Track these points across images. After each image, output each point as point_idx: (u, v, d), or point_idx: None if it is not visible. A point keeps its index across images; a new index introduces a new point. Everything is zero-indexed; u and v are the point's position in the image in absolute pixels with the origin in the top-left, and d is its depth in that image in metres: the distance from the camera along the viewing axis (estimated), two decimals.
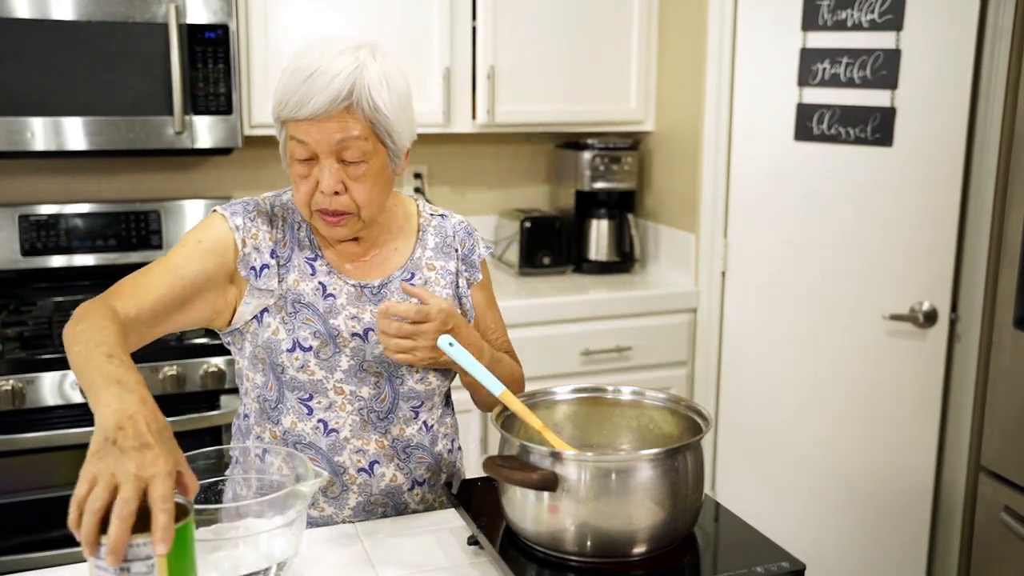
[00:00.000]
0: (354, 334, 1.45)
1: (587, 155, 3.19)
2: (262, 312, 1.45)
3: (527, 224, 3.16)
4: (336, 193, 1.37)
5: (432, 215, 1.57)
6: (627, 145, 3.23)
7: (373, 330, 1.46)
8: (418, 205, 1.59)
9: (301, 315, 1.45)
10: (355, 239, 1.49)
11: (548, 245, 3.18)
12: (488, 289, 1.61)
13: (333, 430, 1.46)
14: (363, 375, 1.44)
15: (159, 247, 2.89)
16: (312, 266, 1.47)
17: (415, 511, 1.51)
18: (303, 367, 1.43)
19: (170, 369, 2.39)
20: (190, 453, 1.24)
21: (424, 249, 1.53)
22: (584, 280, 3.13)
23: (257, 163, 3.09)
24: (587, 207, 3.25)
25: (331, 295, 1.46)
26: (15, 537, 2.36)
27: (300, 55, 1.34)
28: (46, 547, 2.36)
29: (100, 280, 2.88)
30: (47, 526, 2.39)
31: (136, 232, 2.89)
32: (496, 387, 1.28)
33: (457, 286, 1.55)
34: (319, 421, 1.46)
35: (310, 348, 1.43)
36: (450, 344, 1.31)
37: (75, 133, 2.52)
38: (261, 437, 1.52)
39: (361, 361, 1.45)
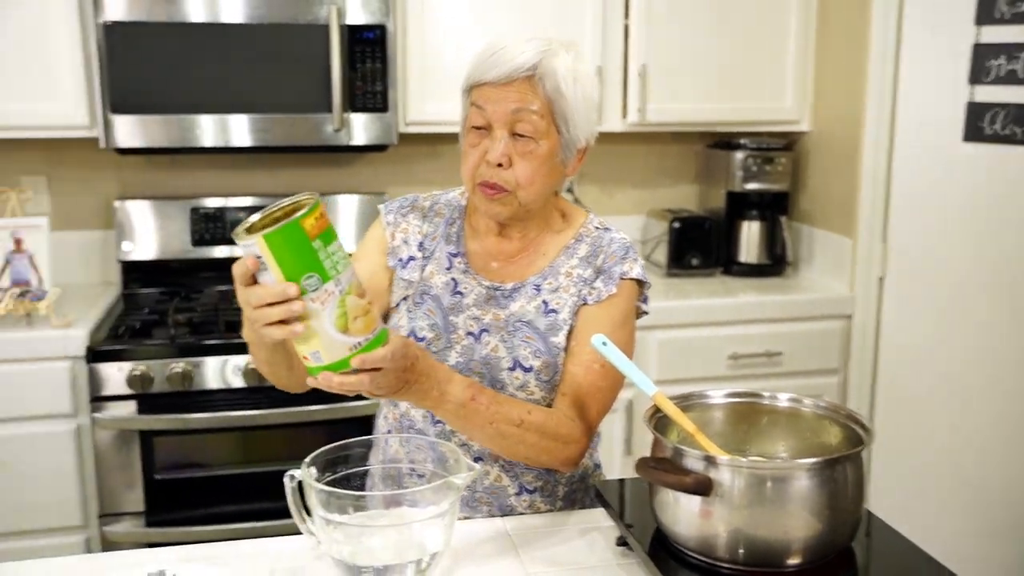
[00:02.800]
0: (469, 333, 1.47)
1: (739, 155, 3.13)
2: (401, 301, 1.51)
3: (676, 224, 3.14)
4: (500, 165, 1.38)
5: (597, 228, 1.53)
6: (781, 145, 3.15)
7: (488, 331, 1.46)
8: (588, 216, 1.55)
9: (425, 306, 1.48)
10: (509, 236, 1.50)
11: (697, 246, 3.14)
12: (616, 313, 1.45)
13: (440, 421, 1.47)
14: (467, 374, 1.45)
15: None
16: (451, 261, 1.51)
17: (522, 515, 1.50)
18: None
19: None
20: (344, 442, 1.29)
21: (571, 257, 1.50)
22: (733, 282, 3.09)
23: (411, 159, 3.16)
24: (738, 208, 3.20)
25: (459, 293, 1.49)
26: (182, 510, 2.51)
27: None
28: (208, 521, 2.50)
29: None
30: (210, 501, 2.52)
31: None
32: (649, 387, 1.27)
33: (579, 297, 1.47)
34: (427, 410, 1.48)
35: (423, 339, 1.46)
36: (604, 344, 1.30)
37: (240, 130, 2.65)
38: (386, 417, 1.56)
39: (468, 360, 1.46)
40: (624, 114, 2.96)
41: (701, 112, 3.00)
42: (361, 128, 2.70)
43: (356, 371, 1.11)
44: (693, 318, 2.79)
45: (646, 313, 1.55)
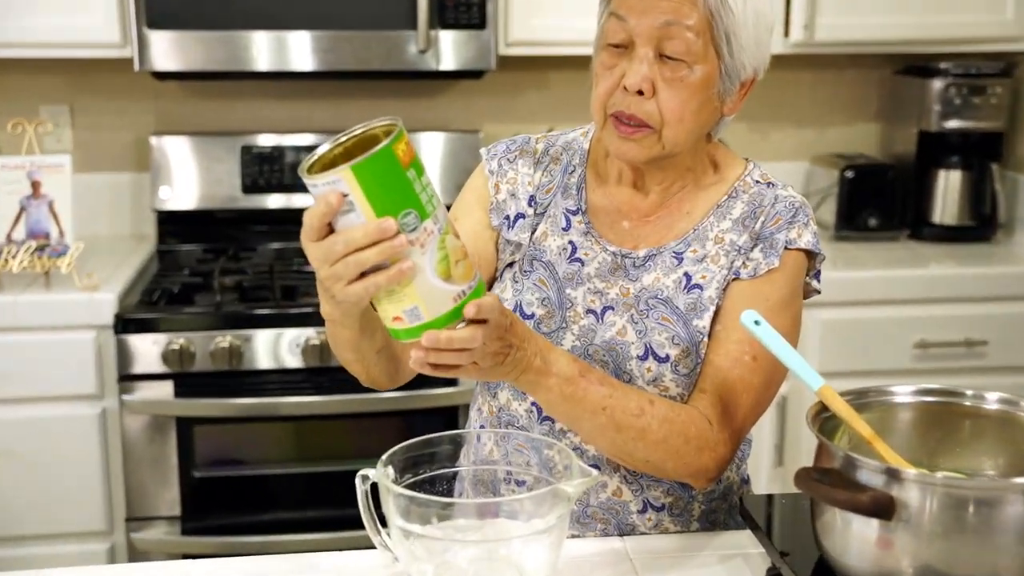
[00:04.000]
0: (589, 311, 1.47)
1: (938, 83, 3.06)
2: (505, 269, 1.51)
3: (849, 174, 3.09)
4: (640, 93, 1.37)
5: (758, 183, 1.51)
6: (996, 71, 3.07)
7: (613, 309, 1.46)
8: (748, 167, 1.53)
9: (535, 275, 1.49)
10: (645, 189, 1.49)
11: (876, 202, 3.09)
12: (776, 292, 1.44)
13: (548, 418, 1.48)
14: (587, 360, 1.45)
15: None
16: (569, 220, 1.50)
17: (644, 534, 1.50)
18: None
19: None
20: (428, 436, 1.31)
21: (722, 219, 1.48)
22: (924, 249, 3.04)
23: (513, 89, 3.17)
24: (933, 153, 3.14)
25: (578, 260, 1.49)
26: (225, 516, 2.59)
27: None
28: (257, 530, 2.58)
29: None
30: (260, 506, 2.60)
31: None
32: (814, 380, 1.25)
33: (730, 269, 1.46)
34: (532, 404, 1.49)
35: (532, 316, 1.47)
36: (756, 323, 1.29)
37: (302, 50, 2.70)
38: (480, 410, 1.57)
39: (587, 344, 1.45)
40: (786, 31, 2.92)
41: (888, 28, 2.93)
42: (451, 49, 2.72)
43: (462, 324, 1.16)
44: (868, 294, 2.75)
45: (817, 292, 1.53)
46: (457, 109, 3.17)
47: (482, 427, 1.55)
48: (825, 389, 1.26)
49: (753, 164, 1.54)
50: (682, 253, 1.47)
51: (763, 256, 1.44)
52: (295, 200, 3.04)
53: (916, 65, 3.17)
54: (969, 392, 1.33)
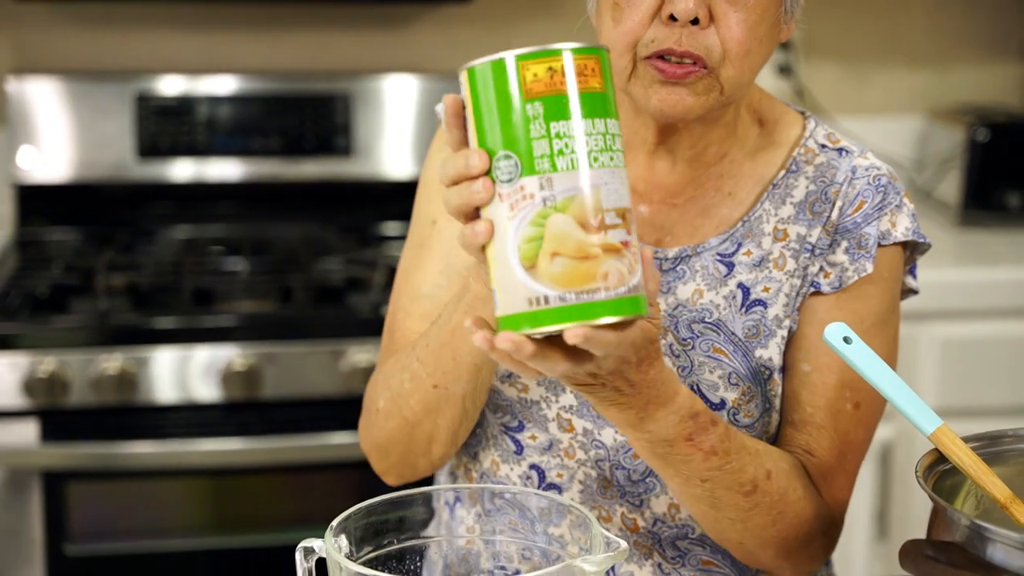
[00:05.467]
0: None
1: None
2: None
3: (981, 134, 3.09)
4: (695, 22, 1.35)
5: (823, 147, 1.52)
6: None
7: None
8: (807, 124, 1.54)
9: None
10: (672, 155, 1.49)
11: (1019, 172, 3.11)
12: (871, 306, 1.48)
13: (553, 486, 1.50)
14: (597, 418, 1.46)
15: (346, 153, 3.08)
16: None
17: None
18: (511, 373, 1.47)
19: (359, 353, 2.54)
20: (396, 495, 1.32)
21: (781, 203, 1.49)
22: None
23: (506, 17, 3.17)
24: None
25: None
26: None
27: None
28: None
29: (252, 205, 3.09)
30: None
31: (312, 126, 3.06)
32: (928, 420, 1.27)
33: (804, 278, 1.47)
34: (531, 467, 1.50)
35: None
36: (845, 340, 1.30)
37: None
38: (455, 475, 1.59)
39: None
40: None
41: None
42: None
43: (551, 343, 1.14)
44: (1007, 301, 2.76)
45: (914, 293, 1.55)
46: (431, 44, 3.19)
47: (457, 500, 1.54)
48: (942, 432, 1.26)
49: (814, 120, 1.55)
50: (731, 255, 1.47)
51: (850, 259, 1.46)
52: (210, 168, 3.06)
53: None
54: None
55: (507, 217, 1.10)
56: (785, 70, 3.26)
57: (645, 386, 1.23)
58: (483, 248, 1.12)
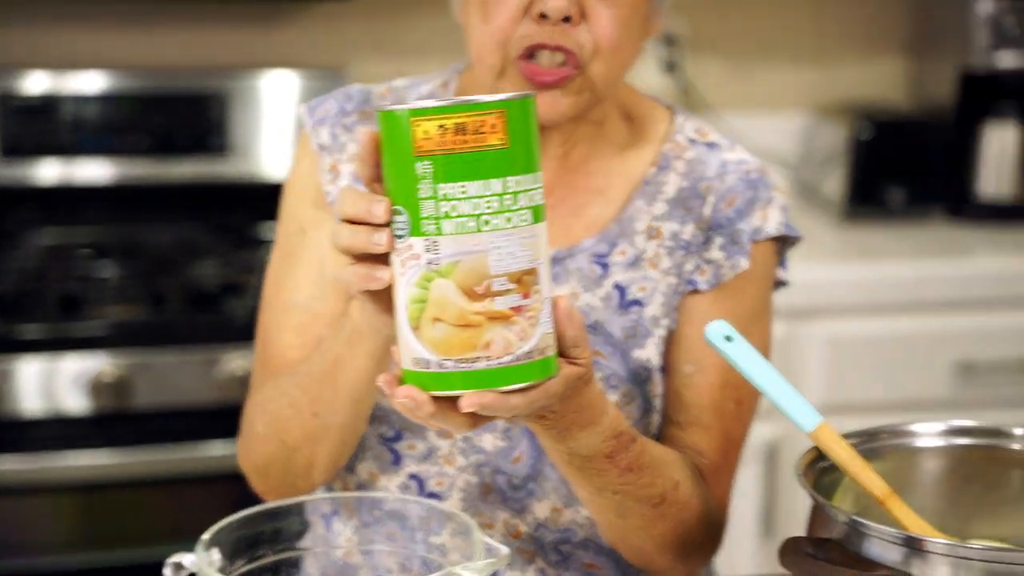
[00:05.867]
0: None
1: (984, 4, 3.09)
2: None
3: (865, 130, 3.13)
4: (567, 20, 1.36)
5: (693, 141, 1.55)
6: None
7: None
8: (675, 118, 1.57)
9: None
10: (543, 153, 1.49)
11: (903, 169, 3.14)
12: (746, 302, 1.51)
13: (433, 494, 1.51)
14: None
15: (221, 151, 3.05)
16: None
17: None
18: None
19: (236, 360, 2.53)
20: (270, 506, 1.31)
21: (653, 200, 1.51)
22: (967, 235, 3.09)
23: (392, 13, 3.16)
24: (980, 101, 3.18)
25: None
26: None
27: None
28: None
29: (122, 207, 3.05)
30: None
31: (185, 125, 3.03)
32: (808, 418, 1.28)
33: (680, 276, 1.50)
34: (411, 477, 1.51)
35: None
36: (728, 339, 1.32)
37: None
38: (331, 487, 1.59)
39: None
40: None
41: None
42: None
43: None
44: (891, 296, 2.79)
45: (783, 284, 1.58)
46: (313, 39, 3.17)
47: (335, 512, 1.53)
48: (822, 430, 1.28)
49: (682, 114, 1.57)
50: (606, 255, 1.49)
51: (725, 256, 1.48)
52: (78, 169, 3.02)
53: None
54: (1019, 431, 1.36)
55: (399, 273, 1.10)
56: (671, 66, 3.28)
57: (570, 412, 1.22)
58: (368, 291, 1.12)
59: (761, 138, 3.15)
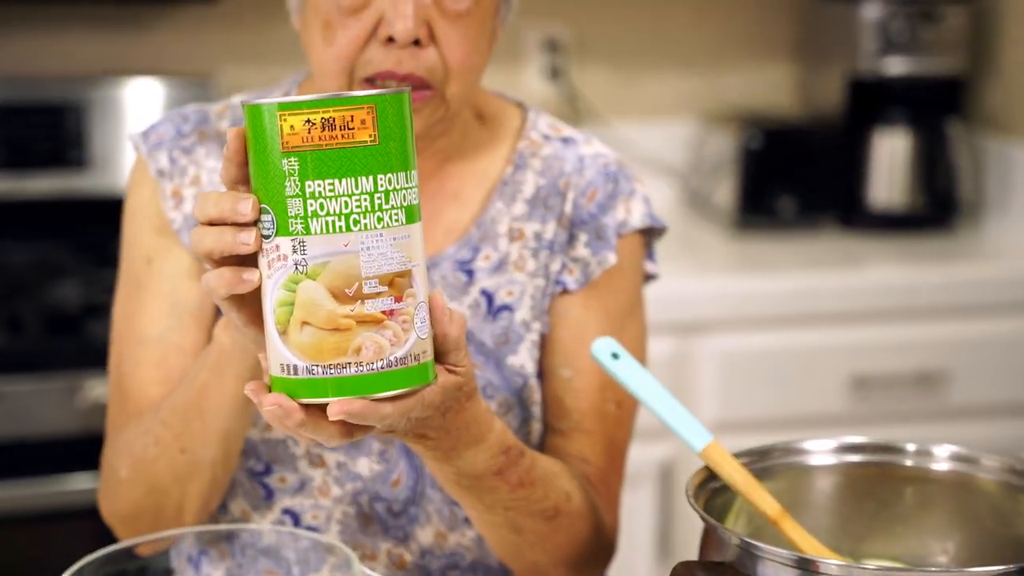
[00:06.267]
0: None
1: (872, 7, 3.15)
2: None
3: (754, 139, 3.15)
4: (417, 44, 1.36)
5: (548, 138, 1.56)
6: None
7: None
8: (526, 116, 1.58)
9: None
10: None
11: (792, 178, 3.17)
12: (619, 299, 1.53)
13: (310, 528, 1.49)
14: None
15: (80, 165, 3.00)
16: None
17: None
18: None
19: (99, 387, 2.48)
20: (130, 543, 1.28)
21: (512, 201, 1.52)
22: (859, 245, 3.13)
23: (262, 17, 3.14)
24: (869, 108, 3.22)
25: None
26: None
27: None
28: None
29: None
30: None
31: (41, 137, 2.99)
32: (698, 436, 1.28)
33: (548, 277, 1.51)
34: (285, 512, 1.49)
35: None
36: (614, 356, 1.32)
37: None
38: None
39: None
40: None
41: None
42: None
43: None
44: (782, 309, 2.80)
45: (653, 278, 1.59)
46: (178, 44, 3.13)
47: (203, 554, 1.49)
48: (712, 449, 1.29)
49: (534, 110, 1.58)
50: (469, 261, 1.49)
51: (591, 252, 1.49)
52: None
53: None
54: (911, 447, 1.37)
55: (266, 275, 1.09)
56: (555, 73, 3.28)
57: (454, 429, 1.22)
58: (234, 297, 1.10)
59: (649, 147, 3.16)
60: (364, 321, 1.07)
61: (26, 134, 2.98)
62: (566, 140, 1.55)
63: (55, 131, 2.99)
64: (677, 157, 3.35)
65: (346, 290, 1.07)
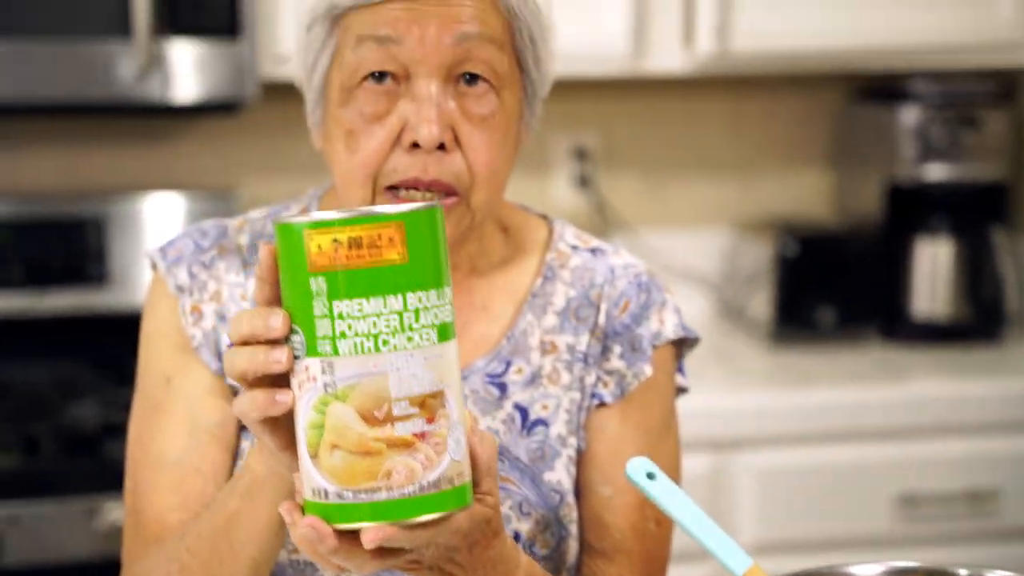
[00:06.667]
0: None
1: (911, 113, 3.16)
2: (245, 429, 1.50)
3: (790, 248, 3.16)
4: (441, 148, 1.37)
5: (576, 248, 1.57)
6: (991, 91, 3.18)
7: None
8: (552, 229, 1.59)
9: None
10: None
11: (829, 287, 3.17)
12: (655, 412, 1.54)
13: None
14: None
15: (100, 281, 3.01)
16: None
17: None
18: None
19: (117, 510, 2.46)
20: None
21: (543, 313, 1.53)
22: (902, 358, 3.11)
23: (284, 129, 3.15)
24: (908, 215, 3.23)
25: None
26: None
27: None
28: None
29: None
30: None
31: (60, 253, 3.00)
32: (738, 561, 1.27)
33: (583, 391, 1.51)
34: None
35: None
36: (649, 476, 1.31)
37: None
38: None
39: None
40: (688, 40, 2.98)
41: (836, 35, 3.02)
42: (190, 69, 2.72)
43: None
44: (822, 424, 2.79)
45: (684, 391, 1.59)
46: (199, 159, 3.16)
47: None
48: (752, 574, 1.27)
49: (559, 222, 1.59)
50: (501, 375, 1.49)
51: (627, 364, 1.50)
52: None
53: (880, 86, 3.28)
54: (963, 572, 1.35)
55: (298, 397, 1.09)
56: (583, 182, 3.29)
57: (480, 566, 1.22)
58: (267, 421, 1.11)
59: (681, 257, 3.17)
60: (395, 444, 1.07)
61: (45, 251, 2.99)
62: (595, 251, 1.56)
63: (74, 247, 3.00)
64: (711, 267, 3.36)
65: (375, 412, 1.07)
